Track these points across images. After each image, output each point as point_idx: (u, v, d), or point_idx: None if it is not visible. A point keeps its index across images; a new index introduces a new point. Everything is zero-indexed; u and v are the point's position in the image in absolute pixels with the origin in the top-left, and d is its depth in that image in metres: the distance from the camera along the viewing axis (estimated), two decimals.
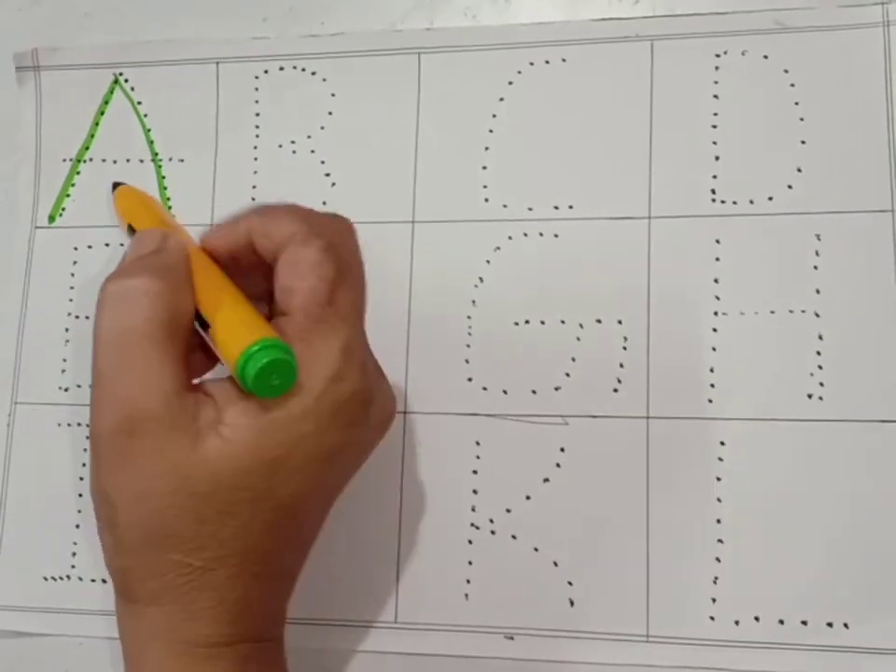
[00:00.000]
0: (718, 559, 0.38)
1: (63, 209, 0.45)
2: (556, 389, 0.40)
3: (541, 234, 0.41)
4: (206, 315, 0.31)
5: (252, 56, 0.44)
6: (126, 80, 0.45)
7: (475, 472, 0.40)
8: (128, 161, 0.45)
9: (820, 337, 0.38)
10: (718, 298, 0.39)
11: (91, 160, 0.45)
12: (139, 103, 0.45)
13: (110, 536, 0.31)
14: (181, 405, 0.30)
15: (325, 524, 0.34)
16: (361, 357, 0.32)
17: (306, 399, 0.30)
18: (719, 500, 0.38)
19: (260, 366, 0.29)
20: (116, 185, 0.40)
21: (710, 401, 0.39)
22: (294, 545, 0.33)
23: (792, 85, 0.40)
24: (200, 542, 0.30)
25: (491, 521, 0.39)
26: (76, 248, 0.44)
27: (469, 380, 0.40)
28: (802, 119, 0.40)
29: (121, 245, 0.44)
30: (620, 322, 0.40)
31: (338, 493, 0.34)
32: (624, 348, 0.40)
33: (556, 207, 0.41)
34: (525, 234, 0.41)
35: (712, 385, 0.39)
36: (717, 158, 0.40)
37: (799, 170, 0.40)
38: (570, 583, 0.38)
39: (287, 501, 0.31)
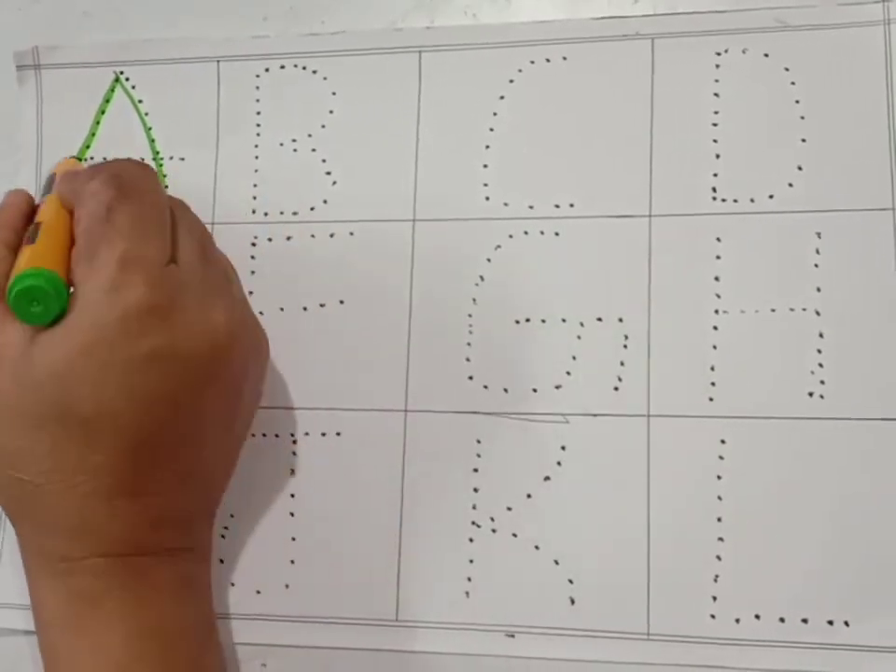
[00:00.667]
0: (718, 557, 0.38)
1: None
2: (557, 388, 0.40)
3: (542, 233, 0.41)
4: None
5: (253, 55, 0.44)
6: (127, 79, 0.45)
7: (476, 470, 0.40)
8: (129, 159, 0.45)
9: (821, 335, 0.38)
10: (718, 296, 0.39)
11: (91, 158, 0.45)
12: (140, 101, 0.45)
13: None
14: None
15: (199, 445, 0.35)
16: (148, 267, 0.33)
17: (81, 311, 0.32)
18: (719, 498, 0.38)
19: (15, 291, 0.32)
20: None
21: (711, 399, 0.39)
22: (138, 464, 0.33)
23: (793, 83, 0.40)
24: (21, 456, 0.33)
25: (492, 519, 0.39)
26: None
27: (470, 378, 0.40)
28: (802, 118, 0.40)
29: None
30: (620, 320, 0.40)
31: (191, 410, 0.34)
32: (625, 346, 0.40)
33: (557, 206, 0.41)
34: (526, 233, 0.41)
35: (713, 384, 0.39)
36: (717, 156, 0.40)
37: (800, 168, 0.40)
38: (571, 581, 0.38)
39: (94, 415, 0.32)
